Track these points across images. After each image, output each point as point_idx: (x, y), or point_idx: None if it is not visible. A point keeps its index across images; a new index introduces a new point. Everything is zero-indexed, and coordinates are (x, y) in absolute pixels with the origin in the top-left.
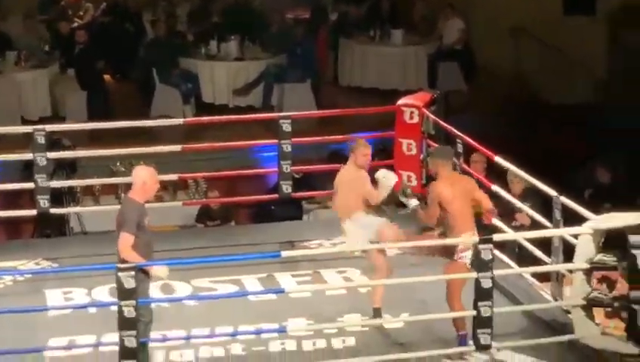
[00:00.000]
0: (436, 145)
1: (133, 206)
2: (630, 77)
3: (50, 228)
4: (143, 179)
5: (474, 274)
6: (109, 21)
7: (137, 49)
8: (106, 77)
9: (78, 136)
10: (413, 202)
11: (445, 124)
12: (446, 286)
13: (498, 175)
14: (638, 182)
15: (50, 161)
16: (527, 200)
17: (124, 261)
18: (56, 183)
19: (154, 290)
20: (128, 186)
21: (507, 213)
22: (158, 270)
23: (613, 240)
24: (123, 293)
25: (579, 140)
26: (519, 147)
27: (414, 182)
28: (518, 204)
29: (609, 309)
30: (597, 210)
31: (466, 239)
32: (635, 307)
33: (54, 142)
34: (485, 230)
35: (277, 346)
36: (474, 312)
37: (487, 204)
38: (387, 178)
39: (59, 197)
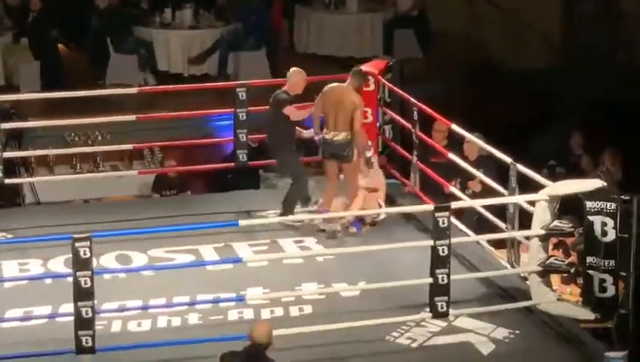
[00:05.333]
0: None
1: None
2: (584, 43)
3: (3, 198)
4: None
5: (430, 242)
6: None
7: (90, 17)
8: (60, 46)
9: (31, 106)
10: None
11: (401, 92)
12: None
13: (459, 142)
14: (593, 149)
15: (2, 132)
16: (481, 167)
17: None
18: (10, 153)
19: (110, 261)
20: (83, 156)
21: (463, 181)
22: None
23: (568, 207)
24: (79, 264)
25: (533, 106)
26: (475, 113)
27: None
28: (471, 170)
29: (565, 275)
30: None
31: None
32: (591, 272)
33: (6, 112)
34: (443, 198)
35: (235, 315)
36: (430, 280)
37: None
38: None
39: (12, 167)
